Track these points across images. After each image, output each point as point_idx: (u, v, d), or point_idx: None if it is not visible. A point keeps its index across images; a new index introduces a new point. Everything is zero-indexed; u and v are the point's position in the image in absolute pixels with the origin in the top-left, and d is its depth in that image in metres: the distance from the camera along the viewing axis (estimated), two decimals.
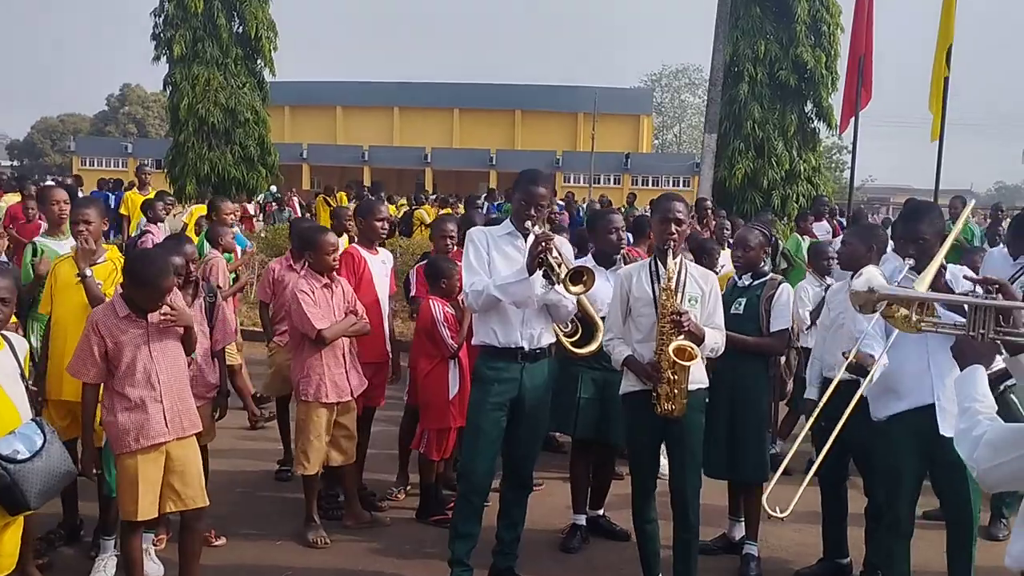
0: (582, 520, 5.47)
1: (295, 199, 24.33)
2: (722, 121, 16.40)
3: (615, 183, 52.16)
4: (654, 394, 4.35)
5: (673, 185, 47.99)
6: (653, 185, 51.04)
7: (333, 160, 53.19)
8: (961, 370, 2.51)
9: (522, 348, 4.54)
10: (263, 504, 5.92)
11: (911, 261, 3.93)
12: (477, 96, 57.95)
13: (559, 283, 4.31)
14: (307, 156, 54.27)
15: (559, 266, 4.33)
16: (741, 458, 5.06)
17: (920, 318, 2.68)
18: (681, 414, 4.34)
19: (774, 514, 3.88)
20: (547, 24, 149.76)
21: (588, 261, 5.12)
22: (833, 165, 57.92)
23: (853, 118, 12.78)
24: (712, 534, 5.42)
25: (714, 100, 15.46)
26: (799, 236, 10.83)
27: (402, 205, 19.21)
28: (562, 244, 4.63)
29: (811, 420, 4.35)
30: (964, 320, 2.63)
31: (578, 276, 4.28)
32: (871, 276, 2.80)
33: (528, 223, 4.47)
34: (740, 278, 5.30)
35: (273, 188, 23.66)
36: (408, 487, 6.08)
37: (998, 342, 2.54)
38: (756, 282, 5.23)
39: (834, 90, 16.63)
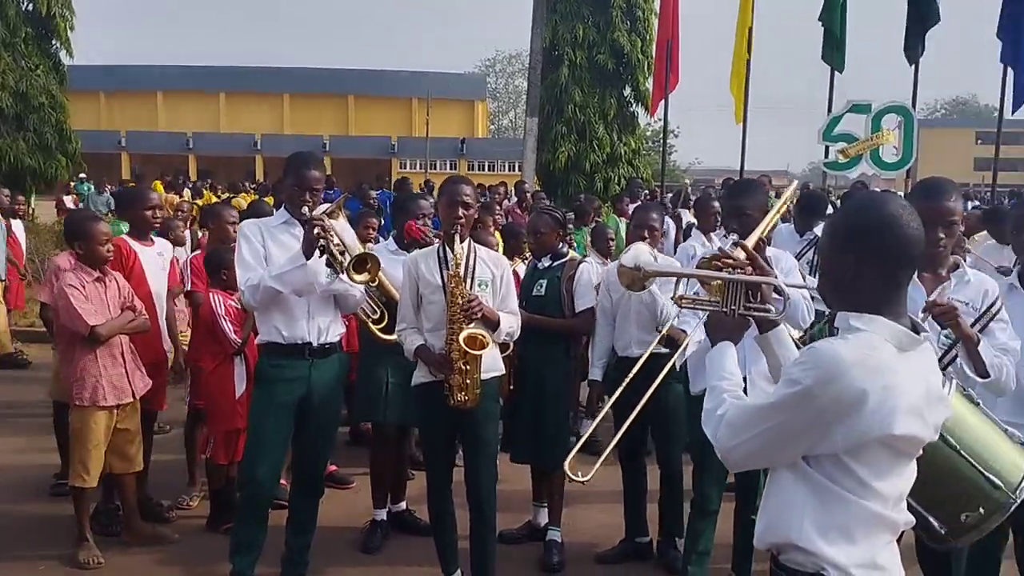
0: (382, 515, 5.27)
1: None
2: (544, 105, 16.52)
3: (451, 168, 52.05)
4: (446, 385, 4.20)
5: (508, 170, 48.30)
6: (489, 170, 51.36)
7: (155, 148, 50.56)
8: (712, 347, 2.46)
9: (309, 343, 4.30)
10: (31, 523, 5.39)
11: (734, 236, 3.92)
12: (308, 81, 56.57)
13: (342, 271, 4.09)
14: (126, 144, 51.41)
15: (341, 254, 4.11)
16: (543, 442, 5.01)
17: (682, 295, 2.62)
18: (474, 404, 4.21)
19: (575, 478, 3.93)
20: (380, 9, 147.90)
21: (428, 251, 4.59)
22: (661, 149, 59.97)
23: (663, 101, 13.06)
24: (519, 521, 5.34)
25: (534, 84, 15.55)
26: (617, 218, 11.03)
27: (223, 194, 18.34)
28: (344, 230, 4.39)
29: (614, 396, 4.37)
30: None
31: (361, 263, 4.07)
32: (638, 253, 2.72)
33: (304, 208, 4.21)
34: (539, 260, 5.22)
35: (83, 177, 22.10)
36: (202, 494, 5.70)
37: (748, 318, 2.51)
38: (556, 263, 5.17)
39: (650, 74, 17.04)
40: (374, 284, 4.40)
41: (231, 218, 5.75)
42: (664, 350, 4.48)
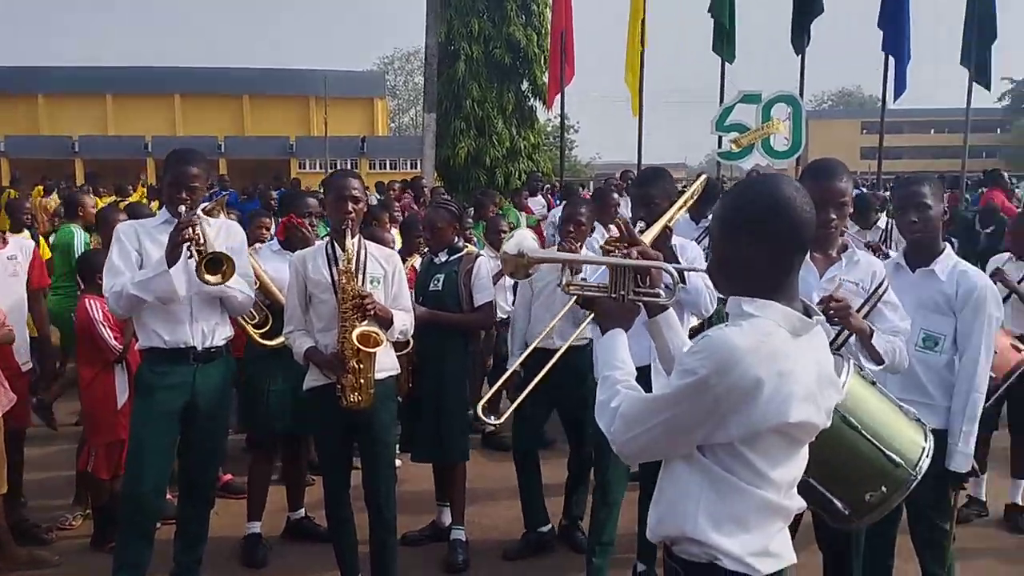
0: (256, 528, 5.04)
1: None
2: (442, 101, 16.38)
3: (352, 167, 51.31)
4: (339, 386, 4.05)
5: (410, 167, 47.89)
6: (391, 168, 50.86)
7: (37, 152, 48.30)
8: (602, 334, 2.38)
9: (194, 348, 4.08)
10: None
11: (642, 224, 3.87)
12: (201, 81, 54.88)
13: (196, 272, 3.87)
14: (6, 150, 49.00)
15: (199, 253, 3.88)
16: (444, 439, 4.90)
17: (570, 280, 2.53)
18: (368, 405, 4.07)
19: (488, 421, 3.93)
20: (274, 8, 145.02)
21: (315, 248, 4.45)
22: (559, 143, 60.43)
23: (559, 94, 13.08)
24: (423, 522, 5.22)
25: (431, 79, 15.37)
26: (517, 212, 11.02)
27: (107, 197, 17.56)
28: (222, 231, 4.21)
29: (527, 389, 4.28)
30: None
31: (215, 264, 3.85)
32: (521, 239, 2.60)
33: (181, 207, 3.98)
34: (436, 255, 5.10)
35: None
36: (85, 512, 5.39)
37: (638, 304, 2.44)
38: (452, 258, 5.06)
39: (547, 68, 17.08)
40: (221, 284, 4.01)
41: (115, 220, 5.43)
42: (584, 341, 4.41)
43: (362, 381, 4.03)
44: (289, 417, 4.91)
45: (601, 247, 2.64)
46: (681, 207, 3.80)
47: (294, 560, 4.98)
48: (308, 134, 54.87)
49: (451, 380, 4.95)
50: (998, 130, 70.17)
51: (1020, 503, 5.44)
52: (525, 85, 17.84)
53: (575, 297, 2.57)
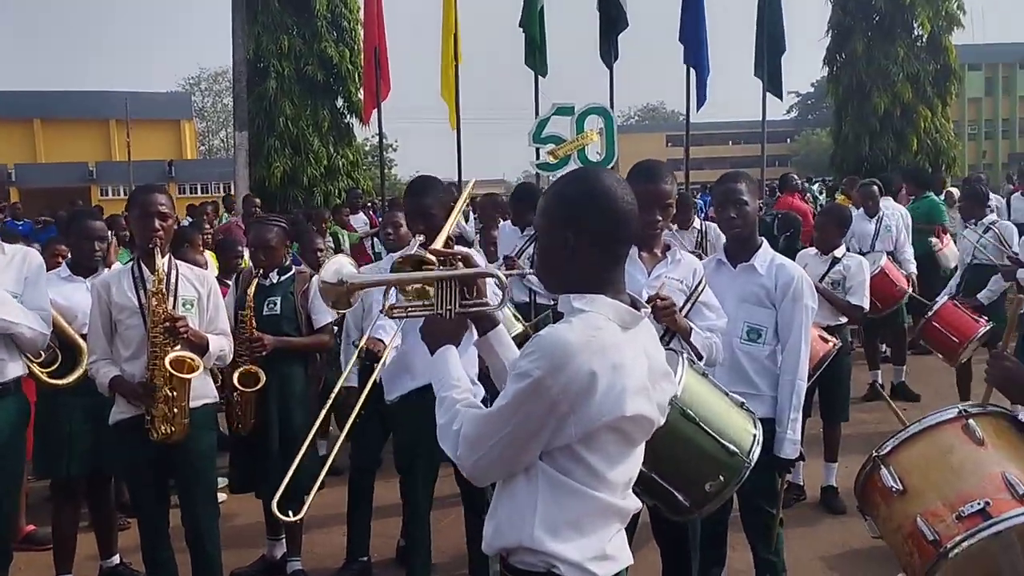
0: None
1: None
2: (254, 119, 15.85)
3: None
4: (148, 417, 3.75)
5: (223, 190, 46.18)
6: (202, 192, 48.85)
7: None
8: (432, 354, 2.26)
9: None
10: None
11: (421, 237, 3.75)
12: None
13: None
14: None
15: None
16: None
17: (393, 304, 2.38)
18: (181, 436, 3.81)
19: (286, 518, 3.77)
20: (66, 28, 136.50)
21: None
22: (379, 159, 60.06)
23: (376, 110, 12.91)
24: (250, 557, 4.94)
25: (240, 97, 14.84)
26: (339, 228, 10.78)
27: None
28: (25, 257, 3.85)
29: (353, 413, 4.15)
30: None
31: None
32: (340, 266, 2.43)
33: None
34: (266, 277, 4.73)
35: None
36: None
37: (467, 318, 2.32)
38: (284, 277, 4.75)
39: (362, 84, 16.86)
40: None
41: None
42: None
43: (175, 411, 3.78)
44: (91, 457, 4.53)
45: (400, 263, 2.48)
46: (458, 214, 3.72)
47: None
48: (110, 159, 51.95)
49: (298, 408, 4.69)
50: (788, 140, 75.54)
51: (835, 485, 5.75)
52: (340, 102, 17.55)
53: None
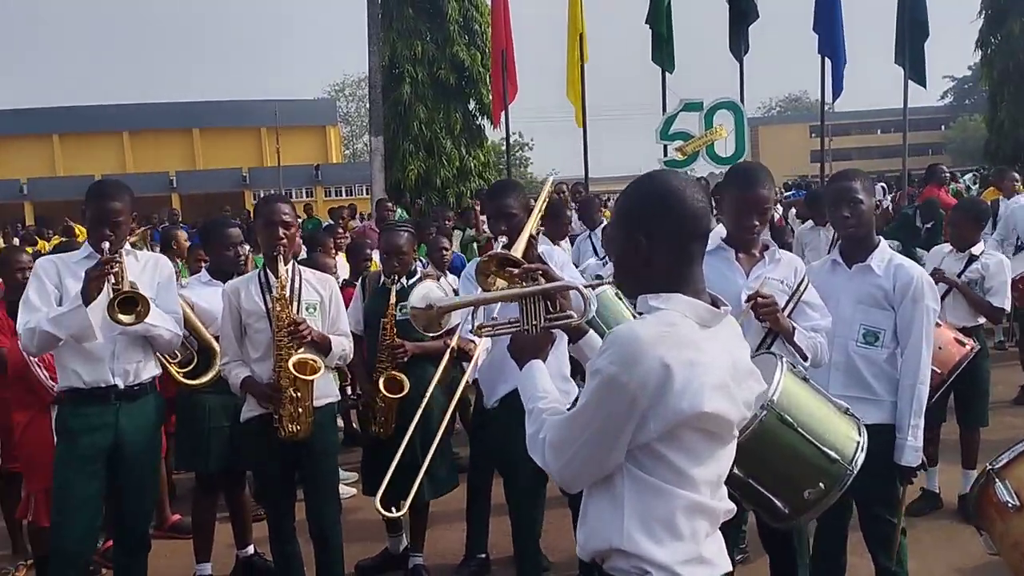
0: (207, 570, 4.90)
1: None
2: (389, 123, 16.31)
3: (308, 195, 50.96)
4: (276, 416, 3.96)
5: (365, 193, 47.75)
6: (347, 194, 50.56)
7: None
8: (520, 369, 2.32)
9: (115, 387, 3.93)
10: None
11: (504, 239, 3.81)
12: (150, 117, 54.32)
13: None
14: None
15: (114, 291, 3.73)
16: (434, 475, 4.66)
17: (481, 323, 2.45)
18: (307, 434, 3.99)
19: (389, 514, 3.80)
20: (219, 41, 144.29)
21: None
22: (518, 162, 60.77)
23: (504, 112, 13.08)
24: (372, 550, 5.10)
25: (376, 102, 15.30)
26: (464, 229, 11.01)
27: (56, 239, 17.24)
28: (156, 263, 4.12)
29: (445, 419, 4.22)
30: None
31: (128, 303, 3.72)
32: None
33: (105, 244, 3.81)
34: (396, 281, 4.74)
35: None
36: (28, 562, 5.22)
37: (552, 332, 2.37)
38: (413, 281, 4.78)
39: (492, 87, 17.11)
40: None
41: (19, 263, 5.21)
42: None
43: (300, 410, 3.96)
44: (228, 452, 4.79)
45: (482, 262, 2.53)
46: (539, 214, 3.72)
47: None
48: (261, 165, 54.48)
49: (435, 409, 4.62)
50: (942, 127, 71.60)
51: None
52: (472, 104, 17.88)
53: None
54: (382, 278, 4.83)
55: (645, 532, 1.93)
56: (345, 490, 5.34)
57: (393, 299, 4.63)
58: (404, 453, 4.54)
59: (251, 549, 5.15)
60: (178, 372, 4.63)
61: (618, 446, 1.93)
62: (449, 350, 4.26)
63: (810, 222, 7.91)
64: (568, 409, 2.08)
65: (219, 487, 5.01)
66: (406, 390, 4.50)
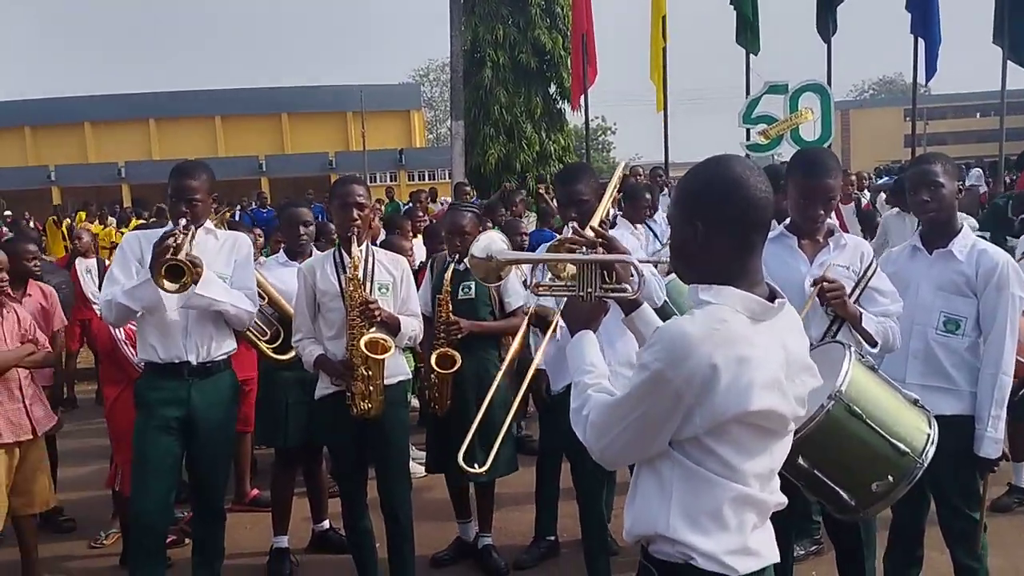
0: (284, 542, 5.03)
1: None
2: (470, 108, 16.40)
3: (392, 180, 51.58)
4: (349, 394, 4.03)
5: (448, 177, 48.17)
6: (429, 178, 50.99)
7: (86, 180, 49.39)
8: (571, 336, 2.32)
9: (188, 363, 4.06)
10: None
11: (575, 224, 3.79)
12: (240, 102, 55.69)
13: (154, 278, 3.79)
14: (56, 179, 50.28)
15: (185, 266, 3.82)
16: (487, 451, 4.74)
17: (538, 282, 2.48)
18: (378, 412, 4.05)
19: (471, 469, 3.76)
20: (306, 26, 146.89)
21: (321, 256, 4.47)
22: (600, 147, 60.42)
23: (583, 95, 13.01)
24: (442, 530, 5.16)
25: (457, 87, 15.39)
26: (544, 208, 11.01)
27: (151, 220, 17.84)
28: (235, 242, 4.23)
29: (517, 406, 4.21)
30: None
31: (175, 272, 3.78)
32: (490, 241, 2.52)
33: (181, 220, 3.95)
34: (459, 263, 4.76)
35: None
36: (117, 530, 5.45)
37: (606, 301, 2.37)
38: None
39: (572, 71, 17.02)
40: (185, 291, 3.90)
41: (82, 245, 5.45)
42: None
43: (371, 388, 4.02)
44: (305, 428, 4.89)
45: (557, 244, 2.55)
46: (610, 198, 3.67)
47: (319, 572, 4.99)
48: (347, 149, 55.32)
49: (495, 390, 4.80)
50: None
51: None
52: (552, 88, 17.83)
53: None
54: (448, 259, 4.87)
55: (690, 522, 1.92)
56: (416, 469, 5.41)
57: (449, 276, 4.66)
58: (484, 436, 4.63)
59: (327, 524, 5.28)
60: (267, 347, 4.75)
61: (660, 437, 1.93)
62: (527, 317, 4.19)
63: (896, 208, 7.68)
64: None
65: (297, 462, 5.14)
66: (458, 365, 4.51)
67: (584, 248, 2.41)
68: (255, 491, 5.99)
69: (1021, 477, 5.36)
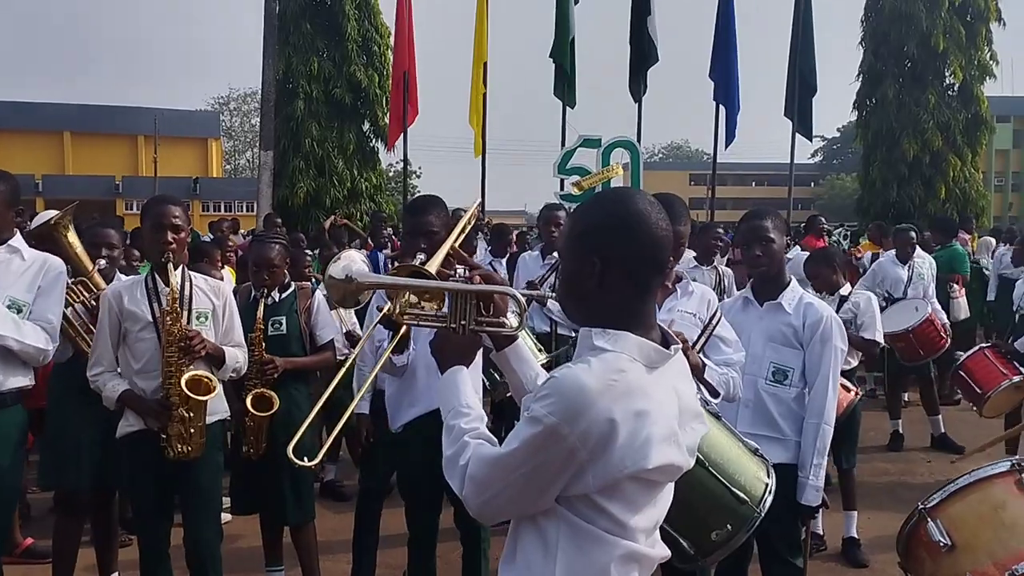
0: None
1: None
2: (280, 139, 15.91)
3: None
4: (163, 436, 3.67)
5: (246, 210, 46.46)
6: (226, 210, 49.14)
7: None
8: (441, 373, 2.12)
9: None
10: None
11: (422, 256, 3.62)
12: (15, 116, 51.53)
13: None
14: None
15: None
16: (298, 498, 4.48)
17: (403, 309, 2.27)
18: (199, 455, 3.72)
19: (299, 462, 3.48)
20: (100, 45, 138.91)
21: None
22: (402, 184, 60.39)
23: (402, 134, 12.92)
24: None
25: (267, 115, 14.89)
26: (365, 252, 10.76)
27: None
28: (44, 264, 3.76)
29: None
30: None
31: None
32: (349, 263, 2.31)
33: None
34: (267, 296, 4.49)
35: None
36: None
37: (480, 335, 2.19)
38: (286, 294, 4.57)
39: (388, 109, 16.93)
40: None
41: None
42: None
43: (193, 430, 3.70)
44: (100, 469, 4.40)
45: (399, 269, 2.37)
46: (461, 233, 3.57)
47: None
48: (136, 173, 52.47)
49: (306, 429, 4.49)
50: (812, 184, 75.37)
51: (855, 536, 5.56)
52: (367, 126, 17.63)
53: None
54: (252, 292, 4.57)
55: None
56: (224, 516, 4.99)
57: (261, 313, 4.39)
58: (272, 475, 4.37)
59: None
60: None
61: (548, 494, 1.78)
62: (381, 314, 3.94)
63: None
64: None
65: (86, 508, 4.58)
66: (276, 407, 4.25)
67: (457, 276, 2.21)
68: (28, 540, 5.32)
69: (852, 527, 5.61)
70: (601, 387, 1.71)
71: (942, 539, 2.73)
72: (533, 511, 1.82)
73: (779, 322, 3.67)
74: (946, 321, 7.86)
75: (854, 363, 5.80)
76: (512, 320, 2.20)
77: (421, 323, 2.24)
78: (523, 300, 2.15)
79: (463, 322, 2.15)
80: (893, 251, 8.32)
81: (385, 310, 2.29)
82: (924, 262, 8.15)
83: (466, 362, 2.13)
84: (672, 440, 1.81)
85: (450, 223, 3.77)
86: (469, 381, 2.10)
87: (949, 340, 7.43)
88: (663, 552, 1.93)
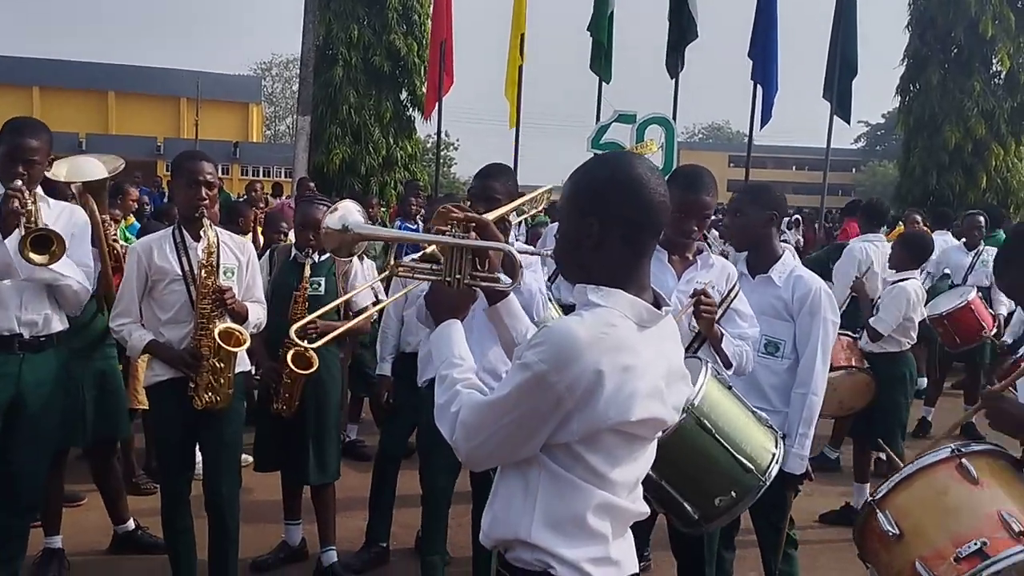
0: (57, 543, 4.55)
1: None
2: (318, 105, 16.02)
3: (224, 173, 49.69)
4: (192, 385, 3.78)
5: (284, 175, 46.81)
6: (264, 175, 49.54)
7: None
8: (436, 326, 2.18)
9: (20, 336, 3.68)
10: None
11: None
12: (62, 74, 52.24)
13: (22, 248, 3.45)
14: None
15: (26, 229, 3.46)
16: (322, 459, 4.55)
17: (399, 261, 2.33)
18: (227, 405, 3.84)
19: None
20: (146, 5, 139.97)
21: None
22: (442, 161, 60.40)
23: (437, 104, 12.95)
24: (265, 534, 4.90)
25: (306, 81, 15.01)
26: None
27: None
28: (71, 213, 3.85)
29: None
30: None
31: (43, 242, 3.45)
32: (347, 212, 2.31)
33: (17, 182, 3.52)
34: (308, 256, 4.54)
35: None
36: None
37: (475, 289, 2.23)
38: (326, 257, 4.59)
39: (426, 79, 16.93)
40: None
41: None
42: None
43: (222, 381, 3.81)
44: (101, 424, 4.58)
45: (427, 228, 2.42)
46: (521, 204, 3.58)
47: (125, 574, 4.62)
48: (177, 136, 53.00)
49: (331, 394, 4.57)
50: (853, 170, 74.31)
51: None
52: (404, 95, 17.67)
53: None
54: (293, 252, 4.64)
55: (553, 528, 1.86)
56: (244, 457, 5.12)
57: (307, 273, 4.47)
58: (297, 434, 4.46)
59: (131, 524, 4.87)
60: None
61: (534, 440, 1.85)
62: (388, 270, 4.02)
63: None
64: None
65: (90, 457, 4.74)
66: (315, 366, 4.32)
67: (454, 230, 2.25)
68: None
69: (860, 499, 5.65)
70: (591, 339, 1.77)
71: (891, 528, 2.81)
72: (518, 458, 1.90)
73: (770, 295, 3.72)
74: (1003, 312, 7.60)
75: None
76: (505, 276, 2.24)
77: (417, 276, 2.30)
78: (518, 255, 2.19)
79: (458, 276, 2.19)
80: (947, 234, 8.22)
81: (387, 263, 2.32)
82: (992, 249, 8.01)
83: (460, 315, 2.19)
84: (657, 396, 1.88)
85: (514, 193, 3.81)
86: (462, 332, 2.16)
87: (994, 331, 7.23)
88: (642, 508, 2.00)
